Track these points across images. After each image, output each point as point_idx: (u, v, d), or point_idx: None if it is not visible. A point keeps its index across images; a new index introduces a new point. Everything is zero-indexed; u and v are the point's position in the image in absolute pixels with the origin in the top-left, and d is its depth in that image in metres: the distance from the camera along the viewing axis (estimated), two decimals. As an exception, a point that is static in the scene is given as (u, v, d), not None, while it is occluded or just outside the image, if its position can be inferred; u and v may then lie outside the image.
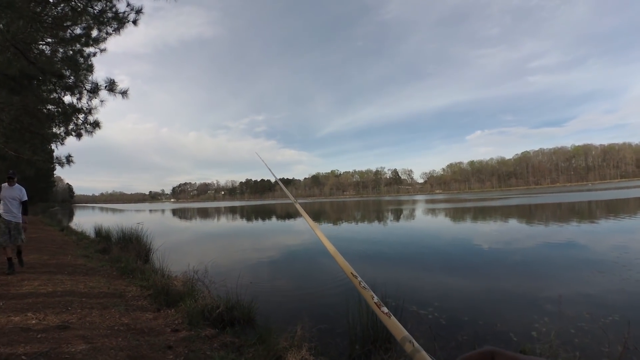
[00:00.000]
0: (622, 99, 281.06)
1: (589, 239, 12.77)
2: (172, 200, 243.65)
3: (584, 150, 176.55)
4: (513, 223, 19.91)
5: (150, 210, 62.23)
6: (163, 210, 62.65)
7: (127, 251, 9.88)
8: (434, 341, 3.69)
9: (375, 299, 0.72)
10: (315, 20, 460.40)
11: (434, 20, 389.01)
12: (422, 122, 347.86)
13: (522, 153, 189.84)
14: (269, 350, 3.71)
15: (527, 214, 25.67)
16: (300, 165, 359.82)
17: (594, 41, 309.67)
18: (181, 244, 15.02)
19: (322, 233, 0.98)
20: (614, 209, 24.63)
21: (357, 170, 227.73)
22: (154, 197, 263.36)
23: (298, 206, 1.24)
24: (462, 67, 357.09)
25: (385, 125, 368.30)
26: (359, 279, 0.76)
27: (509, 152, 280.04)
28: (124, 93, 9.77)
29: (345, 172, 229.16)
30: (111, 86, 9.57)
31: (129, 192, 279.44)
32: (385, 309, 0.69)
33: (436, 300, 6.05)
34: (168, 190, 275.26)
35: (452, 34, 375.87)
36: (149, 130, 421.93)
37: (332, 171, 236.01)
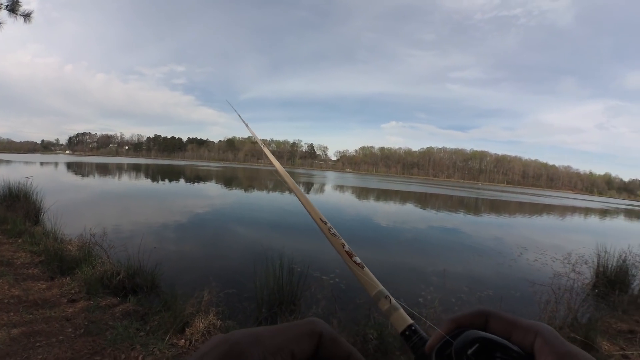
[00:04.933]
0: (521, 121, 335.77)
1: (472, 228, 14.72)
2: (68, 152, 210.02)
3: (480, 156, 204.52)
4: (410, 207, 22.16)
5: (42, 163, 53.98)
6: (57, 163, 55.21)
7: (13, 211, 8.63)
8: (335, 303, 4.00)
9: (347, 247, 0.59)
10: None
11: (380, 11, 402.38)
12: (345, 104, 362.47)
13: (427, 148, 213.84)
14: (175, 317, 3.66)
15: (424, 200, 28.51)
16: (217, 127, 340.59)
17: (512, 68, 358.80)
18: (76, 203, 13.48)
19: (290, 177, 0.86)
20: (497, 208, 28.38)
21: (274, 139, 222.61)
22: (46, 147, 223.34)
23: (266, 150, 1.13)
24: (393, 62, 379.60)
25: (310, 100, 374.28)
26: (329, 225, 0.65)
27: (416, 145, 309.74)
28: (26, 16, 8.33)
29: (263, 139, 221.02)
30: (13, 6, 8.11)
31: (17, 140, 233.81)
32: (358, 259, 0.56)
33: (337, 267, 6.35)
34: (63, 140, 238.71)
35: (392, 29, 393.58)
36: (50, 66, 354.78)
37: (249, 137, 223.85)
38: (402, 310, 0.49)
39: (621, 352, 3.98)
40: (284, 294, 4.31)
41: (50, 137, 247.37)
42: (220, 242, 8.81)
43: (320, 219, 0.68)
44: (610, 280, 6.49)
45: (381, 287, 0.52)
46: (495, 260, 8.91)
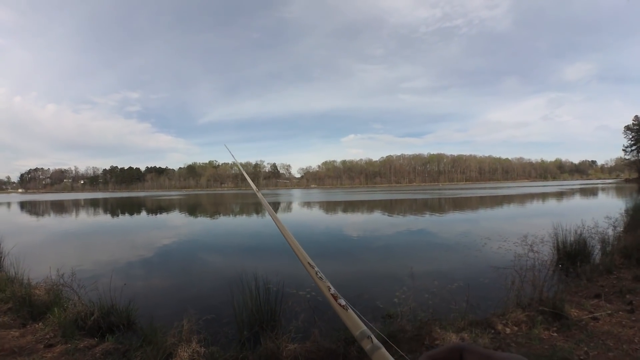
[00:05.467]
0: (472, 122, 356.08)
1: (438, 227, 15.40)
2: (21, 190, 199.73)
3: (437, 158, 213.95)
4: (377, 215, 22.69)
5: (-5, 204, 50.51)
6: (9, 204, 51.64)
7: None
8: (314, 314, 4.13)
9: (332, 290, 0.65)
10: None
11: (330, 29, 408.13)
12: (303, 121, 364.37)
13: (386, 156, 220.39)
14: (158, 350, 3.64)
15: (389, 207, 29.25)
16: (176, 153, 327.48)
17: (458, 74, 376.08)
18: (38, 245, 12.89)
19: (280, 221, 0.94)
20: (459, 205, 29.53)
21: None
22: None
23: (259, 195, 1.16)
24: (345, 77, 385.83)
25: (268, 120, 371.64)
26: (316, 269, 0.71)
27: (376, 155, 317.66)
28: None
29: (224, 163, 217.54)
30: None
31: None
32: (343, 301, 0.62)
33: (312, 282, 6.45)
34: (15, 178, 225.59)
35: (343, 46, 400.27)
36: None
37: (210, 162, 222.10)
38: (383, 349, 0.53)
39: (590, 316, 4.29)
40: (263, 313, 4.38)
41: (0, 175, 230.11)
42: (192, 270, 8.67)
43: (308, 263, 0.75)
44: (570, 255, 7.06)
45: (364, 327, 0.58)
46: (462, 253, 9.39)
